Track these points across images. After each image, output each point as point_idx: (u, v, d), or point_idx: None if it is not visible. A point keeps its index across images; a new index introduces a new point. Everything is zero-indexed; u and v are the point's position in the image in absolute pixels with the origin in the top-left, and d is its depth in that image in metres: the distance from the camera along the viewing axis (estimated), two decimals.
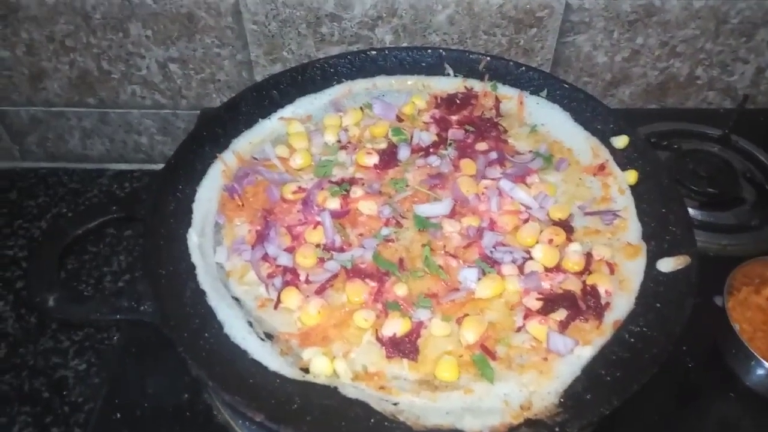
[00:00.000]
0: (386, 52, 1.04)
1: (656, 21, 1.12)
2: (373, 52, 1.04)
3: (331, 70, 1.02)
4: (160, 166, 1.33)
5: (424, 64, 1.03)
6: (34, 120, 1.30)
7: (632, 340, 0.69)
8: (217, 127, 0.93)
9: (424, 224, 0.81)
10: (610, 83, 1.21)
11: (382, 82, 1.02)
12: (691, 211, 0.95)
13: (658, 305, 0.72)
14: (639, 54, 1.16)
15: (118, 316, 0.69)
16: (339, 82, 1.01)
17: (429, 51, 1.04)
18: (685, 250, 0.75)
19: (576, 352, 0.68)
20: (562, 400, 0.64)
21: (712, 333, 0.84)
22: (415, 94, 1.00)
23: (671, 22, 1.12)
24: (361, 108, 0.98)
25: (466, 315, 0.72)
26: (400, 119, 0.97)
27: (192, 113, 1.27)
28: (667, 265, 0.75)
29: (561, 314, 0.71)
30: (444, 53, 1.03)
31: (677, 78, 1.20)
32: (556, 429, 0.61)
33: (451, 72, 1.03)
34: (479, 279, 0.75)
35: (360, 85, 1.01)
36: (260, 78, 1.21)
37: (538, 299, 0.73)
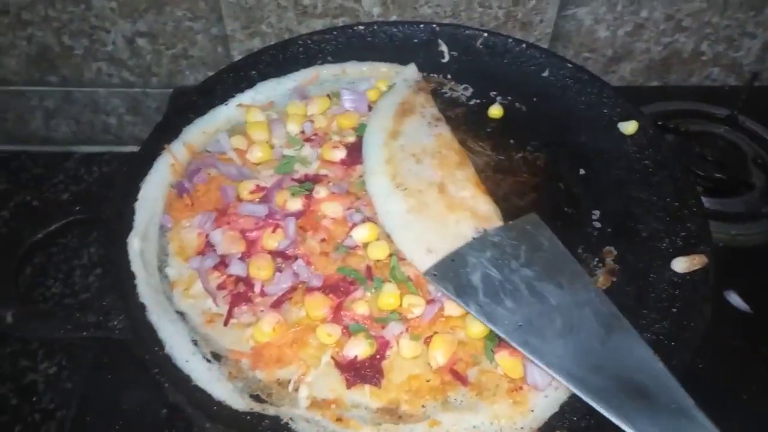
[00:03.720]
0: (375, 27, 0.96)
1: None
2: (361, 27, 0.96)
3: (315, 47, 0.94)
4: (130, 148, 1.27)
5: (416, 41, 0.96)
6: None
7: None
8: (190, 113, 0.85)
9: None
10: (612, 59, 1.14)
11: (352, 68, 0.93)
12: None
13: (674, 310, 0.67)
14: (643, 28, 1.10)
15: (85, 334, 0.62)
16: (325, 60, 0.93)
17: (422, 26, 0.96)
18: (701, 249, 0.70)
19: (554, 384, 0.61)
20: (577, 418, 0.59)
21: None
22: (380, 78, 0.91)
23: None
24: (328, 95, 0.89)
25: (435, 333, 0.65)
26: (371, 108, 0.88)
27: (164, 92, 1.18)
28: (681, 265, 0.70)
29: None
30: (438, 28, 0.96)
31: (681, 54, 1.14)
32: None
33: (445, 49, 0.95)
34: None
35: (328, 70, 0.92)
36: (237, 53, 1.12)
37: None
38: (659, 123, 0.99)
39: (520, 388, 0.62)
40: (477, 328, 0.64)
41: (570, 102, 0.90)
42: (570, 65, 0.91)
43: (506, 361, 0.63)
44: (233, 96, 0.88)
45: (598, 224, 0.78)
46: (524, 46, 0.93)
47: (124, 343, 0.63)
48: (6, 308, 0.63)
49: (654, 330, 0.66)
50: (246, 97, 0.88)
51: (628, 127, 0.84)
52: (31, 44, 1.11)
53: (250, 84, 0.89)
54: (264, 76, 0.90)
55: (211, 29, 1.09)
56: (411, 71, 0.91)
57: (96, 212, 0.72)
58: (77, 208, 0.72)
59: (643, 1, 1.05)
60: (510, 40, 0.94)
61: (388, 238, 0.72)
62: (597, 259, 0.74)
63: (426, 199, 0.74)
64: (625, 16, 1.07)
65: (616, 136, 0.85)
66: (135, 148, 1.24)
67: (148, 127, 1.23)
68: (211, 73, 1.13)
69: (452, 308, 0.66)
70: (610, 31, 1.10)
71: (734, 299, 0.83)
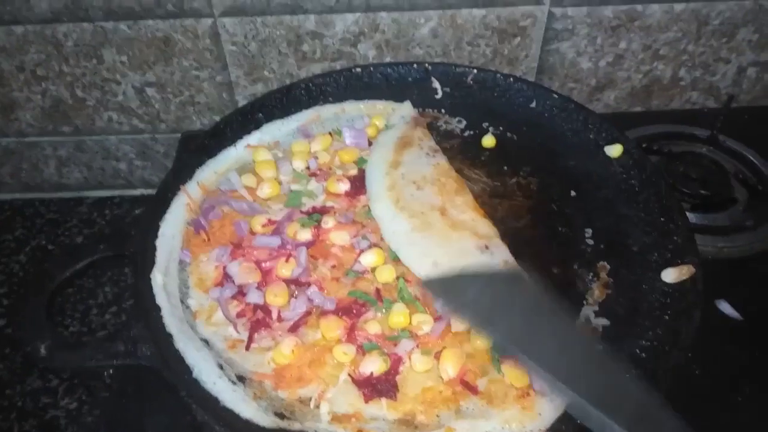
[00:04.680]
0: (371, 68, 1.02)
1: (638, 25, 1.12)
2: (358, 69, 1.02)
3: (316, 89, 1.00)
4: (140, 191, 1.33)
5: (410, 79, 1.02)
6: (6, 151, 1.26)
7: (644, 355, 0.68)
8: (203, 155, 0.90)
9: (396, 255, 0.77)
10: (595, 88, 1.21)
11: (350, 107, 0.98)
12: None
13: (666, 318, 0.71)
14: (623, 58, 1.17)
15: (115, 362, 0.66)
16: (326, 101, 0.99)
17: (415, 66, 1.02)
18: (688, 259, 0.75)
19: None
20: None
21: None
22: (374, 115, 0.97)
23: (653, 26, 1.12)
24: (330, 133, 0.95)
25: (444, 348, 0.69)
26: (370, 143, 0.94)
27: (171, 136, 1.24)
28: (671, 275, 0.75)
29: None
30: (430, 67, 1.02)
31: (661, 80, 1.21)
32: None
33: (438, 86, 1.01)
34: None
35: (328, 110, 0.98)
36: (241, 98, 1.19)
37: None
38: (644, 145, 1.05)
39: (528, 394, 0.66)
40: (482, 340, 0.69)
41: (558, 129, 0.95)
42: (556, 95, 0.97)
43: (512, 371, 0.67)
44: (241, 137, 0.93)
45: (591, 241, 0.83)
46: (512, 79, 0.99)
47: (151, 370, 0.67)
48: (39, 341, 0.67)
49: (648, 337, 0.70)
50: (253, 138, 0.93)
51: (614, 151, 0.90)
52: (45, 98, 1.18)
53: (257, 126, 0.95)
54: (269, 118, 0.96)
55: (217, 77, 1.15)
56: (406, 108, 0.98)
57: (120, 250, 0.76)
58: (102, 246, 0.77)
59: (622, 33, 1.13)
60: (498, 74, 1.00)
61: (394, 261, 0.77)
62: (592, 273, 0.79)
63: (429, 220, 0.79)
64: (605, 48, 1.14)
65: (602, 159, 0.91)
66: (145, 191, 1.32)
67: (157, 170, 1.30)
68: (216, 117, 1.21)
69: (459, 324, 0.70)
70: (592, 62, 1.17)
71: (725, 307, 0.88)
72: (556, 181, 0.90)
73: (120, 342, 0.67)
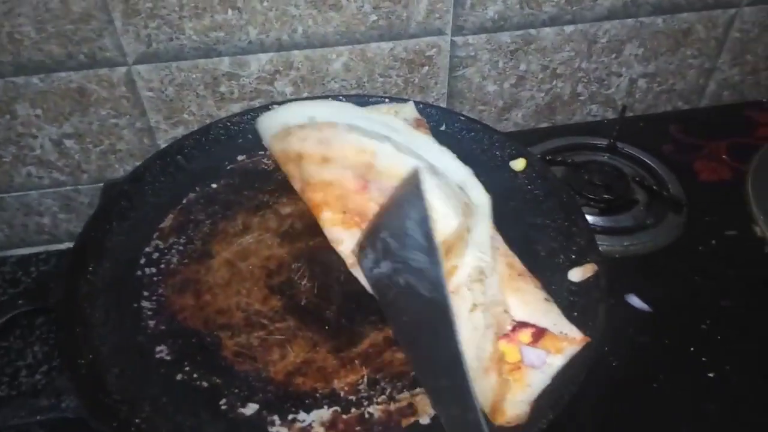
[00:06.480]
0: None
1: (534, 48, 1.20)
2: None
3: (235, 128, 1.03)
4: (67, 244, 1.30)
5: None
6: None
7: None
8: (122, 200, 0.91)
9: None
10: (503, 109, 1.29)
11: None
12: (592, 218, 1.03)
13: (576, 314, 0.76)
14: (524, 79, 1.25)
15: (38, 417, 0.65)
16: (245, 139, 1.02)
17: (331, 99, 1.06)
18: (591, 258, 0.81)
19: (548, 361, 0.71)
20: None
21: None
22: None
23: (548, 48, 1.21)
24: None
25: None
26: None
27: (95, 186, 1.23)
28: (577, 274, 0.80)
29: (526, 335, 0.73)
30: (345, 100, 1.06)
31: (562, 97, 1.29)
32: None
33: None
34: None
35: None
36: (163, 142, 1.19)
37: None
38: (548, 157, 1.13)
39: (518, 368, 0.70)
40: None
41: (467, 149, 1.00)
42: (462, 118, 1.03)
43: (505, 348, 0.71)
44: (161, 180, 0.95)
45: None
46: (422, 106, 1.05)
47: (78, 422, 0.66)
48: None
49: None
50: None
51: (518, 165, 0.96)
52: None
53: (178, 168, 0.96)
54: (189, 160, 0.98)
55: (136, 123, 1.16)
56: (410, 109, 1.01)
57: (40, 303, 0.76)
58: (20, 301, 0.76)
59: (520, 56, 1.21)
60: (411, 102, 1.05)
61: None
62: None
63: None
64: (507, 71, 1.22)
65: (509, 173, 0.97)
66: (71, 244, 1.29)
67: (82, 221, 1.27)
68: (139, 164, 1.21)
69: None
70: (497, 84, 1.24)
71: (634, 301, 0.94)
72: None
73: (43, 396, 0.66)
